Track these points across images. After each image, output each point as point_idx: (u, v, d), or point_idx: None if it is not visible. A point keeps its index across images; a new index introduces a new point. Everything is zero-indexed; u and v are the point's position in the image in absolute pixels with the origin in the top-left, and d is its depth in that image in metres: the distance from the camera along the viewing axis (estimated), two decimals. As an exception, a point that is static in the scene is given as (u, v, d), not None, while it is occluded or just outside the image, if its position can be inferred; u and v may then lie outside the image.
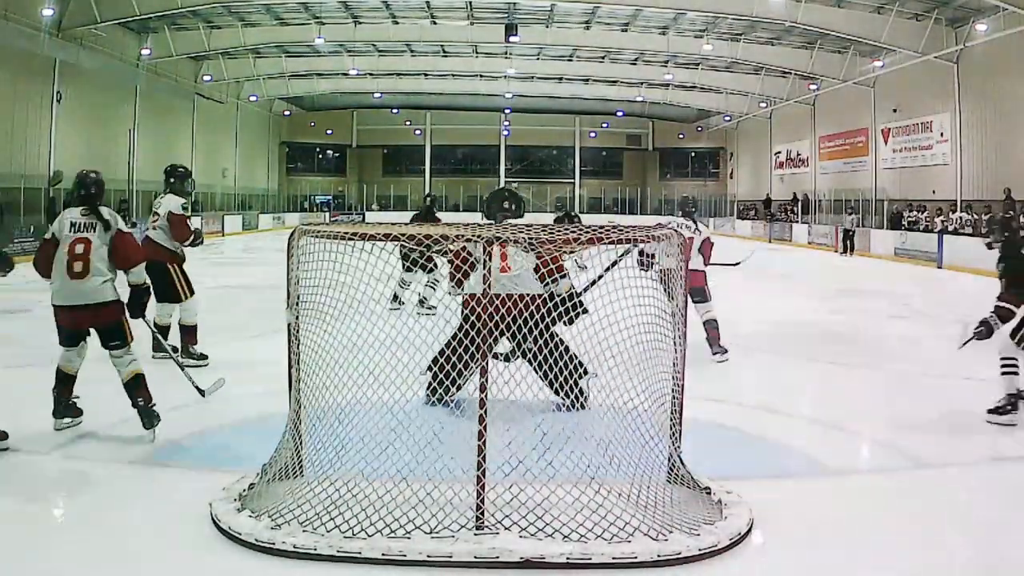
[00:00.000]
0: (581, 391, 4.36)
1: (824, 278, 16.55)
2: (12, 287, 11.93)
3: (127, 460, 4.19)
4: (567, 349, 4.44)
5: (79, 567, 3.00)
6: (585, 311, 4.34)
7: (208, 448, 4.47)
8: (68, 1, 21.07)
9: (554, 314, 4.13)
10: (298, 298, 3.64)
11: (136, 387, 4.62)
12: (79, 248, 4.65)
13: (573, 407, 4.24)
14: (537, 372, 4.24)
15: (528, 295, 4.62)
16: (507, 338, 4.64)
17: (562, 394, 4.39)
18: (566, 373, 4.15)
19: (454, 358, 3.91)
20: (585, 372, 4.34)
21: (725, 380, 6.29)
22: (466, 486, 3.27)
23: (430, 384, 4.62)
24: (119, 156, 25.10)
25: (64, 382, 4.75)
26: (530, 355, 4.39)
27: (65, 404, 4.76)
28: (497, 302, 4.30)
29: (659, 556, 3.00)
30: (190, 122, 31.08)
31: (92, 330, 4.78)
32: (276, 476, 3.57)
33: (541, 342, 4.29)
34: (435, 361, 4.33)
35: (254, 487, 3.52)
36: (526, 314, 4.29)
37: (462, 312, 4.56)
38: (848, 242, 23.70)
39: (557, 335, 4.51)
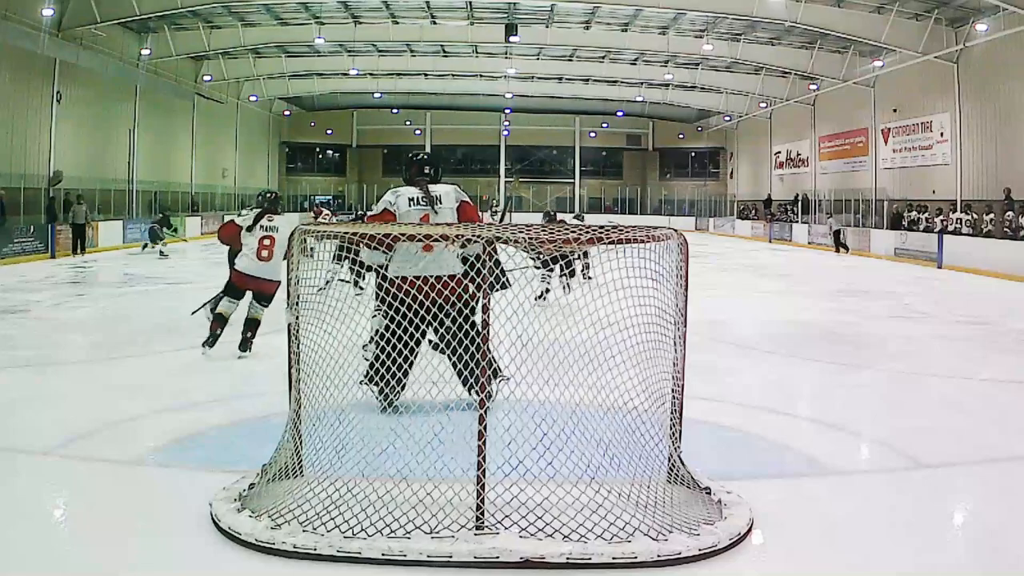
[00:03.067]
0: (489, 394, 4.11)
1: (824, 278, 16.56)
2: (11, 287, 11.95)
3: (127, 460, 4.18)
4: (480, 346, 4.26)
5: (79, 567, 3.00)
6: (506, 285, 4.36)
7: (208, 448, 4.47)
8: (68, 1, 21.06)
9: (477, 284, 3.99)
10: (298, 298, 3.64)
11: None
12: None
13: (478, 406, 4.12)
14: (451, 359, 4.32)
15: (453, 276, 4.74)
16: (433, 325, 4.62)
17: (472, 391, 4.15)
18: (477, 369, 3.95)
19: (393, 354, 3.95)
20: (496, 373, 4.15)
21: (725, 380, 6.29)
22: (466, 486, 3.27)
23: (380, 390, 4.45)
24: (119, 156, 25.12)
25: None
26: (444, 343, 4.49)
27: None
28: (423, 286, 4.54)
29: (659, 556, 3.00)
30: (190, 122, 31.09)
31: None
32: (276, 476, 3.57)
33: (461, 332, 4.32)
34: (372, 367, 4.31)
35: (254, 487, 3.52)
36: (452, 298, 4.55)
37: (386, 302, 4.57)
38: (839, 242, 24.14)
39: (476, 325, 4.42)
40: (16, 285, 12.84)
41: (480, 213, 5.49)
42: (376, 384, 4.36)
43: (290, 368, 3.70)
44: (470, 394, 4.12)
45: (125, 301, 11.58)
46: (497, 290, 4.17)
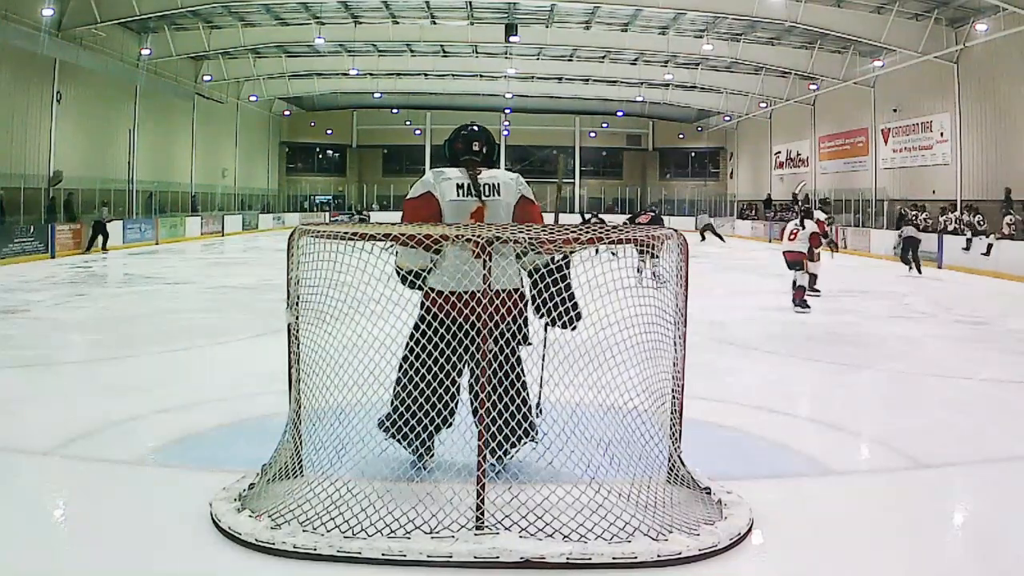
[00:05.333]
0: (506, 452, 3.62)
1: (824, 278, 16.52)
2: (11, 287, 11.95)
3: (127, 460, 4.18)
4: (525, 400, 3.52)
5: (78, 567, 3.00)
6: (573, 321, 3.55)
7: (208, 448, 4.47)
8: (68, 1, 21.06)
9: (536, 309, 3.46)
10: (298, 298, 3.63)
11: None
12: None
13: (497, 463, 3.65)
14: (475, 401, 3.38)
15: (511, 292, 3.52)
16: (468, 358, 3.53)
17: (490, 448, 3.42)
18: (510, 425, 3.39)
19: (415, 393, 3.43)
20: (530, 434, 3.58)
21: (725, 380, 6.29)
22: (466, 486, 3.27)
23: (400, 434, 3.66)
24: (119, 156, 25.13)
25: None
26: (473, 378, 3.44)
27: None
28: (471, 303, 3.33)
29: (659, 556, 3.00)
30: (190, 122, 31.09)
31: None
32: (276, 476, 3.57)
33: (508, 370, 3.44)
34: (393, 406, 3.66)
35: (254, 487, 3.52)
36: (503, 320, 3.38)
37: (423, 321, 3.62)
38: (704, 234, 28.43)
39: (522, 364, 3.63)
40: (16, 285, 12.84)
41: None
42: (401, 434, 3.65)
43: (290, 368, 3.69)
44: (485, 451, 3.24)
45: (125, 301, 11.58)
46: (563, 326, 3.58)
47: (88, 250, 20.14)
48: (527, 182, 3.90)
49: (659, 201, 42.55)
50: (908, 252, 16.72)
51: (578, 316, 3.58)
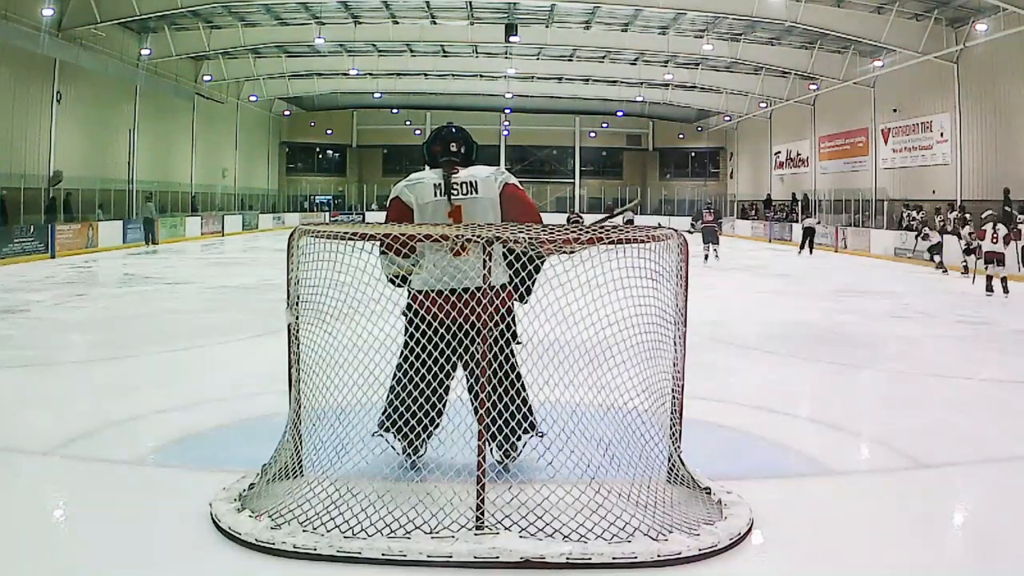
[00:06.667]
0: (514, 446, 3.69)
1: (824, 278, 16.54)
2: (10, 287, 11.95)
3: (127, 460, 4.18)
4: (524, 396, 3.60)
5: (79, 567, 3.00)
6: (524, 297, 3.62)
7: (208, 448, 4.47)
8: (68, 1, 21.06)
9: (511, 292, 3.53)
10: (298, 298, 3.63)
11: None
12: None
13: (504, 460, 3.69)
14: (475, 402, 3.36)
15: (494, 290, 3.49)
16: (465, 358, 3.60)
17: (494, 445, 3.58)
18: (512, 422, 3.44)
19: (414, 391, 3.46)
20: (532, 427, 3.66)
21: (725, 380, 6.29)
22: (466, 486, 3.27)
23: (394, 427, 3.68)
24: (119, 156, 25.13)
25: None
26: (473, 379, 3.44)
27: None
28: (457, 303, 3.43)
29: (659, 556, 3.00)
30: (190, 122, 31.09)
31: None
32: (276, 476, 3.57)
33: (509, 369, 3.50)
34: (389, 409, 3.70)
35: (254, 487, 3.52)
36: (495, 318, 3.44)
37: (410, 325, 3.67)
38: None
39: (517, 364, 3.65)
40: (16, 285, 12.85)
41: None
42: (395, 430, 3.68)
43: (290, 368, 3.69)
44: (487, 448, 3.28)
45: (125, 301, 11.58)
46: (518, 299, 3.66)
47: (149, 243, 22.78)
48: (528, 182, 3.92)
49: (659, 201, 42.66)
50: (807, 239, 23.17)
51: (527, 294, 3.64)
